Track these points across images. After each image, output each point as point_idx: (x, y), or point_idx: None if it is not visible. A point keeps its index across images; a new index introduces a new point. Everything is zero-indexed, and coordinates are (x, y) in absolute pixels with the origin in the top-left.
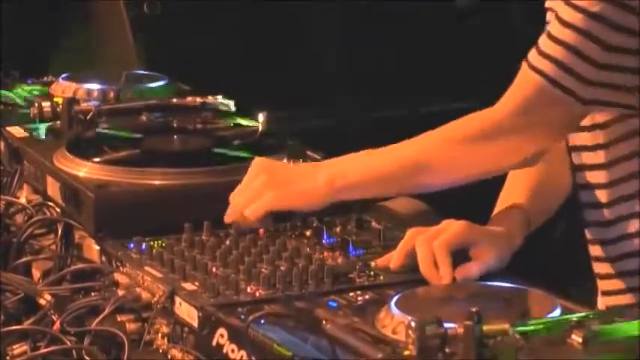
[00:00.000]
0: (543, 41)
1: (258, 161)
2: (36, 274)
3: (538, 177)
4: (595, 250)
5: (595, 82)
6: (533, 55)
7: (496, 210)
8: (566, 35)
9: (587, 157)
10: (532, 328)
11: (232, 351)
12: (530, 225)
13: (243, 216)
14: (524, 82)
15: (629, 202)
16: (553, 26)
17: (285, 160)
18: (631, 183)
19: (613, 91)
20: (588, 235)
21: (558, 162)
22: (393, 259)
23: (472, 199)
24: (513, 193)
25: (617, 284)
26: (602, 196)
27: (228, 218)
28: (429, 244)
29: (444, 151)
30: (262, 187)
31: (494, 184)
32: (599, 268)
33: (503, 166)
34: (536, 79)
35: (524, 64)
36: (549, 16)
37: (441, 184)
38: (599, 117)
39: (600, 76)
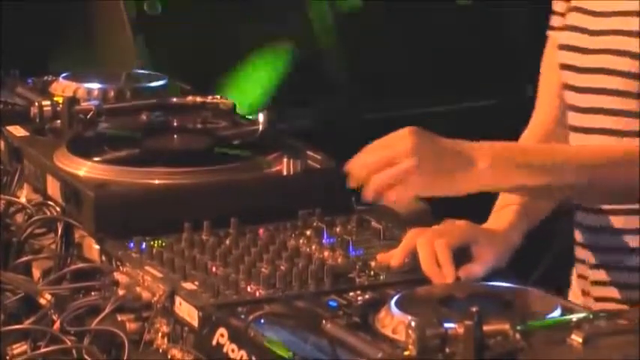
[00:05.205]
0: None
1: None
2: (36, 273)
3: None
4: None
5: None
6: None
7: (496, 207)
8: None
9: None
10: (532, 328)
11: (232, 351)
12: (529, 222)
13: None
14: None
15: None
16: None
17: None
18: None
19: None
20: None
21: None
22: (394, 258)
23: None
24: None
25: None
26: None
27: (354, 183)
28: (431, 244)
29: None
30: (409, 169)
31: None
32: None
33: None
34: None
35: None
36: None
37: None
38: None
39: None
